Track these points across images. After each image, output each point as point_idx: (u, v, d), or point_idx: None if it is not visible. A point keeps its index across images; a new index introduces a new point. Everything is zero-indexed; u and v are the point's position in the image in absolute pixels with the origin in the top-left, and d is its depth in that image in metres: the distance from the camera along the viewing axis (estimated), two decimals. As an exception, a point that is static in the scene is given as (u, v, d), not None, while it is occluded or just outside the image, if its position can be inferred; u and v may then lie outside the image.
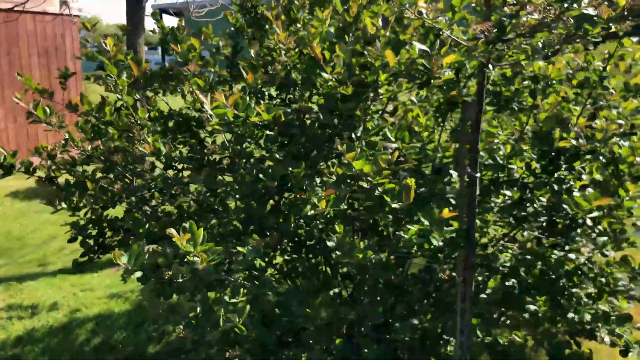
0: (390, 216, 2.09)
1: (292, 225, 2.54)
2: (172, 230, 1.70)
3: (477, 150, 1.95)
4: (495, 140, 2.63)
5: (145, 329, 3.99)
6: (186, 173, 2.98)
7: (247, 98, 2.09)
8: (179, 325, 2.45)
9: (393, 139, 2.03)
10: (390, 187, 1.86)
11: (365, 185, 1.80)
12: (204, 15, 8.48)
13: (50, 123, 2.30)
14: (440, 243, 2.00)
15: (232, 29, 3.48)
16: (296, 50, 2.66)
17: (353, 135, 2.47)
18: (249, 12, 3.43)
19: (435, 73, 1.96)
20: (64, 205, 2.53)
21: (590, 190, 2.64)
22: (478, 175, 1.95)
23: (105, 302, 4.47)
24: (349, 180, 2.06)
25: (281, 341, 2.72)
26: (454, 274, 2.65)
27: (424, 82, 2.07)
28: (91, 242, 3.07)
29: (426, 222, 1.95)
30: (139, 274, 1.87)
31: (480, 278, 2.80)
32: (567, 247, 2.82)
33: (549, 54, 1.55)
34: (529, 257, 2.71)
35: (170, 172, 2.92)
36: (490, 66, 1.73)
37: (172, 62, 3.22)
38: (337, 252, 1.97)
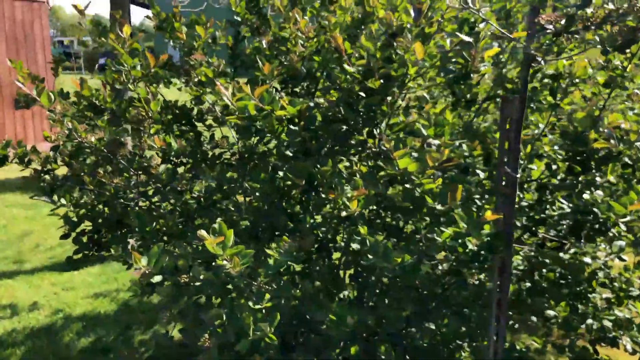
0: (427, 218, 1.98)
1: (308, 225, 2.42)
2: (203, 232, 1.55)
3: (518, 149, 1.86)
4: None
5: (135, 330, 3.81)
6: (179, 169, 2.83)
7: (273, 90, 1.96)
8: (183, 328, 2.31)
9: (426, 135, 1.92)
10: (430, 187, 1.76)
11: (408, 185, 1.68)
12: (187, 6, 8.25)
13: (54, 111, 2.12)
14: (475, 247, 1.91)
15: (235, 17, 3.33)
16: (314, 40, 2.53)
17: (375, 131, 2.36)
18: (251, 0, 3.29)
19: (475, 66, 1.86)
20: (63, 201, 2.34)
21: (599, 192, 2.59)
22: (518, 175, 1.86)
23: (90, 302, 4.25)
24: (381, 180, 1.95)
25: (284, 343, 2.60)
26: (474, 279, 2.58)
27: (463, 75, 1.97)
28: (85, 239, 2.90)
29: (462, 224, 1.86)
30: (158, 277, 1.71)
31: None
32: (572, 251, 2.78)
33: (609, 49, 1.47)
34: (547, 260, 2.65)
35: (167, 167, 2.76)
36: (542, 61, 1.64)
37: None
38: (369, 256, 1.85)
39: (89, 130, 2.26)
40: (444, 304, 2.71)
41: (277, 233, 2.63)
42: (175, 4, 3.32)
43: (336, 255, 2.73)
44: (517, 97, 1.81)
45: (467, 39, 1.82)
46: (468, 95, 2.71)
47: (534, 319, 3.02)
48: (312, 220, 2.46)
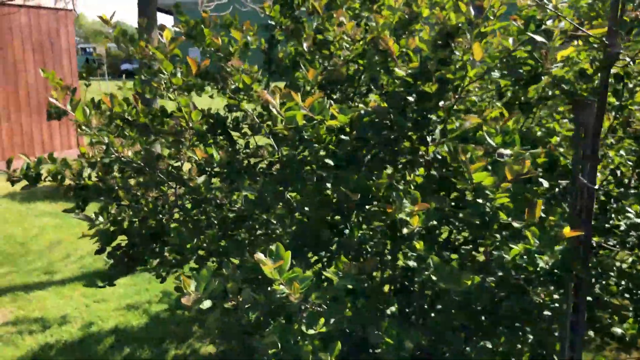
0: (497, 235, 1.82)
1: (355, 239, 2.27)
2: (261, 256, 1.42)
3: (597, 158, 1.69)
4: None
5: (168, 345, 3.71)
6: (214, 180, 2.71)
7: (325, 99, 1.82)
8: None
9: (495, 145, 1.76)
10: (503, 201, 1.60)
11: (480, 200, 1.53)
12: (212, 10, 8.18)
13: (90, 125, 1.99)
14: (547, 266, 1.74)
15: (269, 21, 3.20)
16: (360, 43, 2.38)
17: (428, 138, 2.20)
18: (284, 3, 3.16)
19: (547, 68, 1.69)
20: (101, 219, 2.23)
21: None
22: (596, 187, 1.69)
23: (122, 315, 4.16)
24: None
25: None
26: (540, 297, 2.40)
27: (533, 77, 1.81)
28: (118, 253, 2.79)
29: (534, 240, 1.69)
30: (208, 303, 1.58)
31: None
32: (630, 260, 2.62)
33: None
34: (611, 273, 2.47)
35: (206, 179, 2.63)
36: (631, 62, 1.48)
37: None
38: (433, 277, 1.69)
39: (126, 144, 2.14)
40: (495, 318, 2.55)
41: (320, 246, 2.50)
42: (203, 9, 3.19)
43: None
44: (595, 102, 1.64)
45: (539, 38, 1.66)
46: (522, 98, 2.54)
47: (591, 333, 2.84)
48: (359, 234, 2.32)
